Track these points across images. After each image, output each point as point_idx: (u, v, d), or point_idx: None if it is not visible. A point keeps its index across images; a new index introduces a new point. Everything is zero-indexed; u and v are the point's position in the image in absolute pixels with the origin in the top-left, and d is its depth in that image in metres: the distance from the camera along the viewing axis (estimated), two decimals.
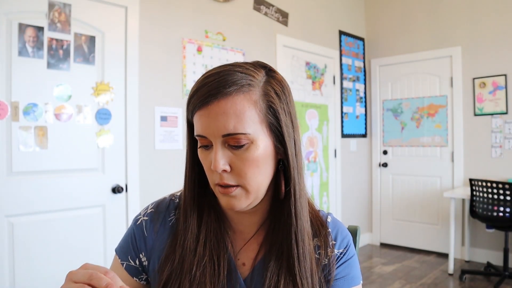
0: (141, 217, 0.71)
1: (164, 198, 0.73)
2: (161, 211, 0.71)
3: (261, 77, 0.61)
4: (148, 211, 0.71)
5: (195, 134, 0.61)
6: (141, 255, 0.69)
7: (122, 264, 0.69)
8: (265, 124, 0.59)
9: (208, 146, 0.60)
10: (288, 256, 0.63)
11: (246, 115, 0.57)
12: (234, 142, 0.57)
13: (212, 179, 0.61)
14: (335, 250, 0.68)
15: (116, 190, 2.33)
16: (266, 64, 0.64)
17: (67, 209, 2.16)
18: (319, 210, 0.72)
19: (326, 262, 0.67)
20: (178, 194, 0.73)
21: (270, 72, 0.63)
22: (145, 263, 0.68)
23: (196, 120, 0.60)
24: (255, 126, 0.58)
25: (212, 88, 0.57)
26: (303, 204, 0.64)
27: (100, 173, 2.30)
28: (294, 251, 0.63)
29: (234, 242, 0.69)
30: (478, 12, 3.75)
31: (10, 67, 1.97)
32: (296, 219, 0.63)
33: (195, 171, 0.66)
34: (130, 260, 0.69)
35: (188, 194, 0.67)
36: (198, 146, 0.63)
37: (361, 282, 0.70)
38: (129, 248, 0.70)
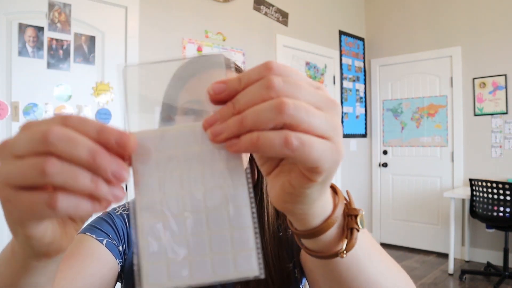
0: (119, 211, 0.69)
1: None
2: None
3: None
4: (127, 208, 0.70)
5: (186, 101, 0.62)
6: (124, 245, 0.65)
7: (101, 240, 0.61)
8: None
9: None
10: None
11: None
12: None
13: None
14: None
15: None
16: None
17: None
18: None
19: (290, 233, 0.70)
20: None
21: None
22: (125, 256, 0.65)
23: (188, 88, 0.63)
24: None
25: (203, 61, 0.64)
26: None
27: None
28: (264, 237, 0.67)
29: None
30: (478, 12, 3.75)
31: (10, 67, 1.97)
32: (266, 204, 0.68)
33: None
34: (112, 241, 0.63)
35: None
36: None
37: None
38: (109, 231, 0.64)
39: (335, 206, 0.34)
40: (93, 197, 0.25)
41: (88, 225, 0.66)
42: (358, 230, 0.35)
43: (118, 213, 0.68)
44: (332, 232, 0.34)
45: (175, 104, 0.67)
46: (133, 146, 0.25)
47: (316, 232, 0.33)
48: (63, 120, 0.25)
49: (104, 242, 0.62)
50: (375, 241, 0.42)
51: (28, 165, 0.23)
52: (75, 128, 0.24)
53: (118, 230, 0.66)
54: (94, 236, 0.62)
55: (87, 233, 0.63)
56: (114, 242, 0.63)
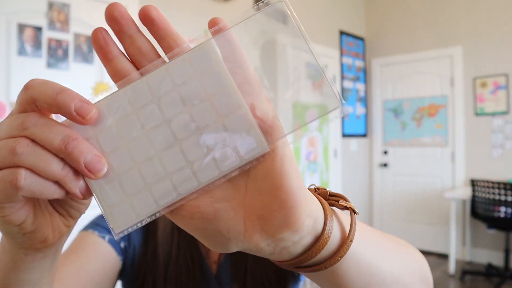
0: None
1: None
2: None
3: None
4: None
5: None
6: (125, 242, 0.66)
7: (103, 237, 0.62)
8: None
9: None
10: None
11: None
12: None
13: None
14: None
15: None
16: None
17: None
18: None
19: None
20: None
21: None
22: (126, 253, 0.66)
23: None
24: None
25: None
26: None
27: None
28: None
29: None
30: (479, 12, 3.74)
31: (9, 67, 1.96)
32: None
33: None
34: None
35: None
36: None
37: None
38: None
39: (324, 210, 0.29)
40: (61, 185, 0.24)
41: (90, 222, 0.66)
42: (354, 212, 0.30)
43: None
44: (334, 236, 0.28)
45: None
46: (93, 118, 0.24)
47: (317, 248, 0.27)
48: (27, 91, 0.25)
49: (106, 238, 0.63)
50: (371, 228, 0.37)
51: (1, 145, 0.23)
52: (36, 95, 0.24)
53: None
54: (97, 233, 0.63)
55: (89, 230, 0.64)
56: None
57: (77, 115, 0.24)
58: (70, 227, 0.30)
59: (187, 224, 0.26)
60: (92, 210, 0.47)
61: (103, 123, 0.25)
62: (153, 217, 0.25)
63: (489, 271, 3.35)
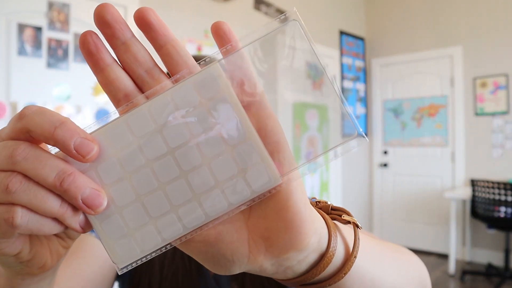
0: None
1: None
2: None
3: None
4: None
5: None
6: None
7: None
8: None
9: None
10: None
11: None
12: None
13: None
14: None
15: None
16: None
17: None
18: None
19: None
20: None
21: None
22: None
23: None
24: None
25: None
26: None
27: None
28: None
29: None
30: (479, 11, 3.74)
31: (9, 67, 1.96)
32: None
33: None
34: None
35: None
36: None
37: None
38: None
39: (328, 227, 0.28)
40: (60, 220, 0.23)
41: None
42: (358, 226, 0.30)
43: None
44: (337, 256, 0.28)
45: None
46: (94, 157, 0.23)
47: (323, 264, 0.27)
48: (22, 121, 0.22)
49: None
50: (373, 237, 0.37)
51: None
52: (32, 127, 0.22)
53: None
54: (94, 234, 0.62)
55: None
56: None
57: (77, 153, 0.22)
58: (68, 248, 0.29)
59: (187, 247, 0.25)
60: None
61: (103, 153, 0.23)
62: (159, 252, 0.24)
63: (489, 271, 3.35)
